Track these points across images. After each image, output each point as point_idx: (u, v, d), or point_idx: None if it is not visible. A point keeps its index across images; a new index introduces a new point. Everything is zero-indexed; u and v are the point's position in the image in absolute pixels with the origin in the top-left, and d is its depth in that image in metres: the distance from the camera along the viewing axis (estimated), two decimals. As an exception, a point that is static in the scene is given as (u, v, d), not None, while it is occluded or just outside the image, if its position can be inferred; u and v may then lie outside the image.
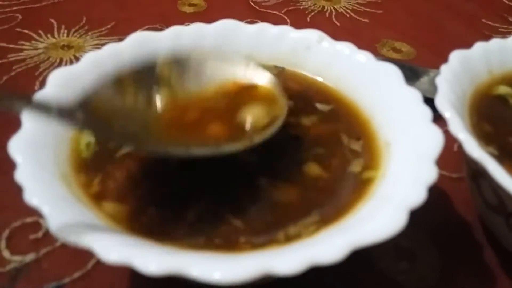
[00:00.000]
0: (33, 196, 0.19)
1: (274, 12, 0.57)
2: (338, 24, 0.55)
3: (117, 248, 0.16)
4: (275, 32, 0.32)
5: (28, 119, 0.22)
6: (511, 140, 0.26)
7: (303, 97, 0.30)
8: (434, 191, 0.32)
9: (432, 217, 0.30)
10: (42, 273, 0.26)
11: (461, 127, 0.23)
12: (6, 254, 0.27)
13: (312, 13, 0.57)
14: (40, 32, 0.49)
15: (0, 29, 0.49)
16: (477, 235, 0.29)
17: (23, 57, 0.45)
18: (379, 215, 0.18)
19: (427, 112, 0.24)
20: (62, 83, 0.25)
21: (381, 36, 0.52)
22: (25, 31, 0.49)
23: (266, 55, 0.32)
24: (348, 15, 0.57)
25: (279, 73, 0.32)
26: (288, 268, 0.16)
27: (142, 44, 0.29)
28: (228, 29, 0.32)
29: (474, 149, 0.22)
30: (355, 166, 0.24)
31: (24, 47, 0.46)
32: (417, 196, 0.19)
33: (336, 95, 0.30)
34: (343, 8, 0.58)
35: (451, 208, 0.31)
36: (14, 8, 0.53)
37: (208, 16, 0.56)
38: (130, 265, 0.16)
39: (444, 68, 0.28)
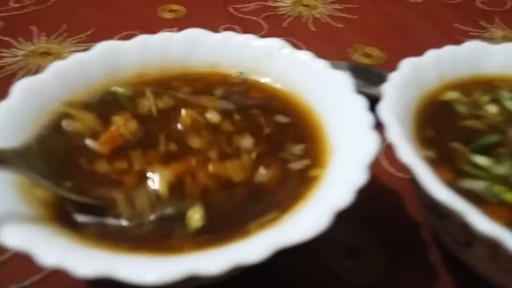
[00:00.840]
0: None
1: (252, 18, 0.58)
2: (314, 30, 0.56)
3: (54, 252, 0.17)
4: (239, 41, 0.34)
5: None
6: (451, 145, 0.27)
7: (263, 104, 0.32)
8: (387, 192, 0.33)
9: (382, 217, 0.32)
10: (3, 277, 0.27)
11: (396, 132, 0.24)
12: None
13: (290, 19, 0.58)
14: (20, 39, 0.50)
15: (-17, 36, 0.51)
16: (423, 234, 0.31)
17: (1, 64, 0.46)
18: (306, 216, 0.20)
19: (369, 119, 0.25)
20: (26, 93, 0.26)
21: (354, 42, 0.54)
22: (6, 38, 0.51)
23: (230, 63, 0.34)
24: (324, 21, 0.58)
25: (243, 81, 0.33)
26: (212, 269, 0.17)
27: (108, 53, 0.30)
28: (194, 38, 0.33)
29: (405, 154, 0.23)
30: (299, 167, 0.25)
31: (4, 54, 0.48)
32: (344, 198, 0.20)
33: (292, 101, 0.31)
34: (320, 14, 0.59)
35: (401, 208, 0.32)
36: (-1, 15, 0.55)
37: (187, 22, 0.57)
38: (65, 269, 0.17)
39: (393, 75, 0.29)
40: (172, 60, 0.32)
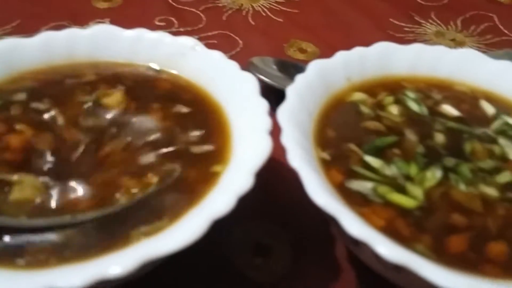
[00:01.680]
0: None
1: (191, 9, 0.57)
2: (253, 23, 0.56)
3: None
4: (152, 38, 0.33)
5: None
6: (347, 146, 0.28)
7: (169, 95, 0.31)
8: (297, 190, 0.34)
9: (293, 215, 0.33)
10: None
11: (289, 137, 0.24)
12: None
13: (230, 11, 0.58)
14: None
15: None
16: (329, 230, 0.32)
17: None
18: (184, 225, 0.20)
19: (268, 124, 0.26)
20: None
21: (291, 36, 0.54)
22: None
23: (143, 60, 0.33)
24: (264, 14, 0.58)
25: (156, 73, 0.33)
26: (72, 284, 0.17)
27: (7, 52, 0.29)
28: (104, 34, 0.33)
29: (292, 159, 0.23)
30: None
31: None
32: (224, 206, 0.20)
33: (201, 97, 0.31)
34: (260, 7, 0.59)
35: (311, 206, 0.34)
36: None
37: (122, 12, 0.56)
38: None
39: (298, 77, 0.30)
40: (80, 58, 0.32)
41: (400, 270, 0.21)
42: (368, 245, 0.20)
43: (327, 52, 0.53)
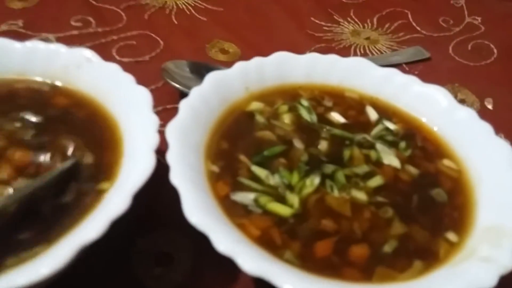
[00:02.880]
0: None
1: (112, 7, 0.55)
2: (176, 22, 0.55)
3: None
4: (47, 50, 0.32)
5: None
6: (237, 157, 0.29)
7: (64, 113, 0.31)
8: None
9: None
10: None
11: (173, 154, 0.25)
12: None
13: (153, 9, 0.56)
14: None
15: None
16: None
17: None
18: (52, 253, 0.21)
19: (154, 140, 0.26)
20: None
21: (214, 36, 0.54)
22: None
23: (39, 73, 0.32)
24: (188, 13, 0.57)
25: (52, 88, 0.32)
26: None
27: None
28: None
29: (173, 177, 0.24)
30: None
31: None
32: (92, 234, 0.21)
33: (97, 112, 0.31)
34: (185, 5, 0.58)
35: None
36: None
37: (38, 12, 0.53)
38: None
39: (193, 90, 0.30)
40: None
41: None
42: (234, 260, 0.21)
43: (248, 52, 0.54)
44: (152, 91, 0.32)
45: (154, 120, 0.28)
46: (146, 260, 0.30)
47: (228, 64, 0.48)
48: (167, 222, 0.34)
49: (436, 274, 0.23)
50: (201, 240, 0.32)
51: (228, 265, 0.31)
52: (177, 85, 0.41)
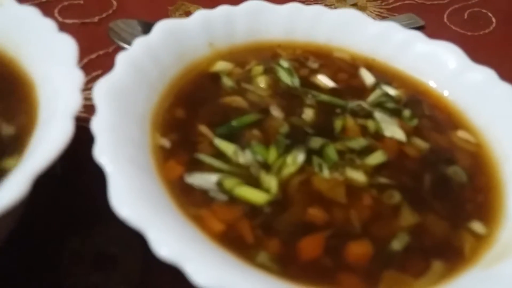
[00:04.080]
0: None
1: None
2: (135, -18, 0.48)
3: None
4: None
5: None
6: (198, 128, 0.22)
7: None
8: None
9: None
10: None
11: (103, 120, 0.18)
12: None
13: (105, -34, 0.49)
14: None
15: None
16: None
17: None
18: None
19: (76, 102, 0.19)
20: None
21: (178, -2, 0.47)
22: None
23: None
24: (149, -28, 0.50)
25: None
26: None
27: None
28: None
29: (98, 153, 0.17)
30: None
31: None
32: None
33: (7, 66, 0.23)
34: (145, -36, 0.51)
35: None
36: None
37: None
38: None
39: (137, 41, 0.23)
40: None
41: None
42: (179, 268, 0.15)
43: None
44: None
45: (77, 76, 0.20)
46: (80, 263, 0.23)
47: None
48: (108, 215, 0.27)
49: (463, 278, 0.17)
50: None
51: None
52: (126, 46, 0.33)
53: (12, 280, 0.22)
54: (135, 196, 0.16)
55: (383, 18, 0.52)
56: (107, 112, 0.19)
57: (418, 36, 0.28)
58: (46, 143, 0.17)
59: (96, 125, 0.18)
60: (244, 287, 0.14)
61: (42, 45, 0.22)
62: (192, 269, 0.14)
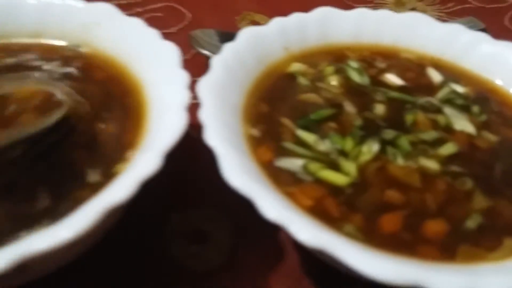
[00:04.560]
0: None
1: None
2: (203, -6, 0.53)
3: None
4: (62, 6, 0.29)
5: None
6: (281, 120, 0.25)
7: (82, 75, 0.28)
8: None
9: (232, 199, 0.30)
10: None
11: (208, 112, 0.22)
12: None
13: (181, -20, 0.54)
14: None
15: None
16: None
17: None
18: (80, 214, 0.17)
19: (185, 97, 0.23)
20: None
21: (243, 8, 0.50)
22: None
23: (55, 33, 0.29)
24: (215, -17, 0.55)
25: (69, 50, 0.29)
26: None
27: None
28: (5, 5, 0.29)
29: (209, 137, 0.20)
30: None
31: None
32: (120, 194, 0.18)
33: (118, 73, 0.28)
34: (212, -23, 0.55)
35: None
36: None
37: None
38: None
39: (226, 46, 0.27)
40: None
41: (323, 252, 0.18)
42: (286, 229, 0.18)
43: (280, 25, 0.51)
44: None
45: (183, 76, 0.24)
46: (181, 237, 0.27)
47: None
48: (203, 198, 0.31)
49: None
50: (240, 218, 0.30)
51: (268, 246, 0.29)
52: (207, 52, 0.37)
53: (126, 246, 0.27)
54: (243, 171, 0.19)
55: (443, 21, 0.53)
56: (211, 104, 0.22)
57: (483, 37, 0.29)
58: (165, 132, 0.21)
59: (203, 115, 0.21)
60: (339, 245, 0.16)
61: (149, 51, 0.27)
62: (296, 229, 0.17)
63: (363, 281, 0.20)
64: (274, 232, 0.29)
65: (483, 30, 0.50)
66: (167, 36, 0.43)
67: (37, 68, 0.27)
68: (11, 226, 0.20)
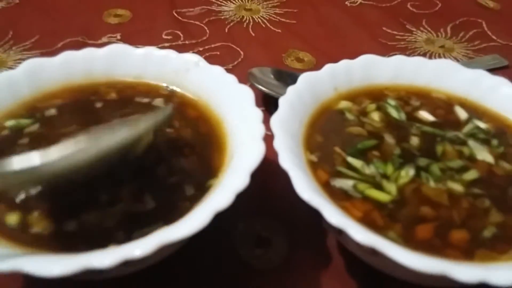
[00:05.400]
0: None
1: (196, 22, 0.62)
2: (253, 35, 0.61)
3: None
4: (160, 55, 0.38)
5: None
6: (333, 149, 0.32)
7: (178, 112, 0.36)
8: (291, 191, 0.38)
9: (288, 209, 0.37)
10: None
11: (280, 142, 0.29)
12: None
13: (231, 23, 0.62)
14: (-33, 48, 0.53)
15: None
16: (322, 224, 0.36)
17: None
18: (192, 217, 0.24)
19: (261, 131, 0.30)
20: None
21: (289, 46, 0.59)
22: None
23: (153, 76, 0.38)
24: (264, 25, 0.63)
25: (170, 93, 0.38)
26: (103, 263, 0.22)
27: (34, 70, 0.34)
28: (117, 52, 0.37)
29: (283, 161, 0.28)
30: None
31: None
32: (223, 201, 0.25)
33: (204, 110, 0.36)
34: (260, 18, 0.64)
35: (304, 203, 0.38)
36: None
37: (131, 27, 0.61)
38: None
39: (289, 89, 0.34)
40: (97, 74, 0.37)
41: (375, 253, 0.25)
42: (345, 232, 0.24)
43: (322, 60, 0.58)
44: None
45: (258, 113, 0.32)
46: (247, 241, 0.34)
47: (305, 72, 0.52)
48: (264, 209, 0.38)
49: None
50: (294, 227, 0.37)
51: (318, 250, 0.35)
52: (262, 88, 0.45)
53: (204, 247, 0.34)
54: (310, 188, 0.26)
55: (469, 58, 0.59)
56: (281, 135, 0.29)
57: (503, 81, 0.36)
58: (249, 155, 0.28)
59: (277, 144, 0.28)
60: (386, 244, 0.23)
61: (228, 93, 0.34)
62: (354, 232, 0.23)
63: (401, 281, 0.26)
64: (322, 240, 0.36)
65: (506, 66, 0.56)
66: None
67: (147, 104, 0.36)
68: (126, 224, 0.27)
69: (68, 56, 0.36)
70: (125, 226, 0.28)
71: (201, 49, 0.57)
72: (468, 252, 0.26)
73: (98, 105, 0.35)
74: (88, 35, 0.57)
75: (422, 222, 0.27)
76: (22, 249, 0.25)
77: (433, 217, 0.28)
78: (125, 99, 0.36)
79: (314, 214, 0.35)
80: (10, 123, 0.33)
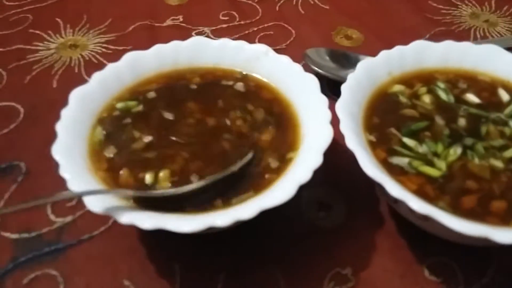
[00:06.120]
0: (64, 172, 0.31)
1: (248, 1, 0.66)
2: (303, 12, 0.64)
3: (126, 214, 0.29)
4: (234, 46, 0.43)
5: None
6: (389, 130, 0.37)
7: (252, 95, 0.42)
8: (349, 162, 0.44)
9: (346, 180, 0.43)
10: (78, 229, 0.39)
11: (345, 125, 0.34)
12: (52, 217, 0.40)
13: (282, 1, 0.66)
14: (50, 32, 0.59)
15: (16, 30, 0.60)
16: (375, 193, 0.42)
17: (39, 57, 0.56)
18: (280, 188, 0.30)
19: (328, 115, 0.36)
20: (79, 101, 0.37)
21: (337, 24, 0.62)
22: (37, 31, 0.59)
23: (228, 64, 0.44)
24: (312, 2, 0.66)
25: (243, 76, 0.43)
26: (221, 223, 0.29)
27: (133, 61, 0.41)
28: (198, 44, 0.43)
29: (349, 142, 0.33)
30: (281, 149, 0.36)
31: (39, 47, 0.57)
32: (304, 176, 0.31)
33: (276, 95, 0.41)
34: (308, -5, 0.66)
35: (361, 176, 0.43)
36: (25, 8, 0.63)
37: (190, 8, 0.65)
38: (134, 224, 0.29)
39: (350, 76, 0.39)
40: (182, 62, 0.43)
41: (427, 219, 0.30)
42: (404, 202, 0.30)
43: (370, 38, 0.61)
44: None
45: (324, 99, 0.37)
46: (311, 207, 0.41)
47: (354, 49, 0.56)
48: (325, 179, 0.44)
49: None
50: (352, 196, 0.43)
51: (372, 215, 0.41)
52: (318, 69, 0.49)
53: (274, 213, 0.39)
54: (372, 165, 0.31)
55: (513, 33, 0.60)
56: (346, 118, 0.34)
57: (546, 65, 0.39)
58: (318, 141, 0.33)
59: (343, 127, 0.34)
60: (438, 211, 0.28)
61: (295, 80, 0.40)
62: (413, 202, 0.29)
63: (443, 240, 0.32)
64: (375, 206, 0.41)
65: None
66: (279, 51, 0.55)
67: (229, 87, 0.42)
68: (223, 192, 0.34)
69: (159, 49, 0.42)
70: (222, 194, 0.34)
71: (255, 29, 0.61)
72: (505, 219, 0.31)
73: (189, 87, 0.42)
74: (154, 17, 0.62)
75: (467, 193, 0.33)
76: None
77: (477, 190, 0.33)
78: (207, 82, 0.43)
79: (368, 185, 0.41)
80: (119, 105, 0.40)
